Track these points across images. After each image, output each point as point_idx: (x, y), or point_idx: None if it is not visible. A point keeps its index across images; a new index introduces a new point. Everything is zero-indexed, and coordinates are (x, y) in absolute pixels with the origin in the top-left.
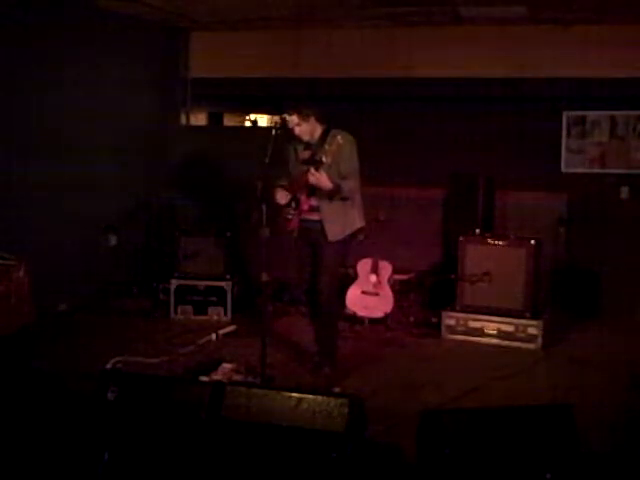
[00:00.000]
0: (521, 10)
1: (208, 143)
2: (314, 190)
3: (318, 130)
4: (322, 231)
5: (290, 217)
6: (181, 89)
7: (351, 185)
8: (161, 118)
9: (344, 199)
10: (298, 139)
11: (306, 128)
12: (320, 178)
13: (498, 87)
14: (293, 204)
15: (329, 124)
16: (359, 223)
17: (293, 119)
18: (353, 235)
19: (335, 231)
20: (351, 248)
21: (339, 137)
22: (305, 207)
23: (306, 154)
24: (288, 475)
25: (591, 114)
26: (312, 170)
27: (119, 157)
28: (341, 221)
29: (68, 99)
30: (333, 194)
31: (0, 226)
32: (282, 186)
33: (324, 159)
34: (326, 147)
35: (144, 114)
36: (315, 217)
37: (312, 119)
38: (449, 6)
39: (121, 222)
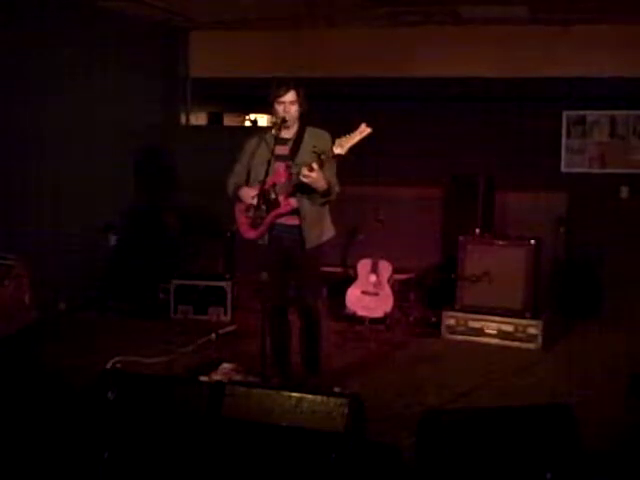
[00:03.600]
0: (521, 10)
1: (208, 143)
2: (296, 190)
3: (296, 125)
4: (299, 238)
5: (259, 221)
6: (181, 89)
7: (337, 189)
8: (161, 118)
9: (324, 204)
10: (276, 127)
11: (295, 113)
12: (319, 176)
13: (498, 87)
14: (264, 206)
15: (304, 122)
16: (331, 232)
17: (289, 95)
18: (322, 245)
19: (314, 236)
20: (326, 256)
21: (327, 135)
22: (285, 209)
23: (282, 150)
24: (288, 475)
25: (591, 114)
26: (313, 166)
27: (119, 157)
28: (320, 227)
29: (68, 99)
30: (325, 195)
31: (0, 226)
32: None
33: (337, 150)
34: (336, 140)
35: (144, 114)
36: (291, 222)
37: (302, 109)
38: (449, 6)
39: (121, 222)
